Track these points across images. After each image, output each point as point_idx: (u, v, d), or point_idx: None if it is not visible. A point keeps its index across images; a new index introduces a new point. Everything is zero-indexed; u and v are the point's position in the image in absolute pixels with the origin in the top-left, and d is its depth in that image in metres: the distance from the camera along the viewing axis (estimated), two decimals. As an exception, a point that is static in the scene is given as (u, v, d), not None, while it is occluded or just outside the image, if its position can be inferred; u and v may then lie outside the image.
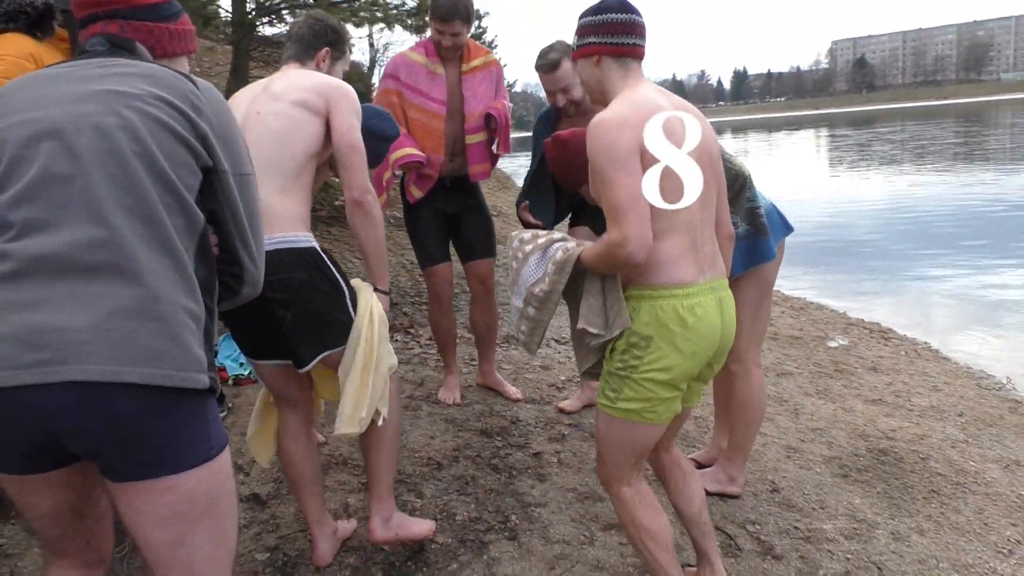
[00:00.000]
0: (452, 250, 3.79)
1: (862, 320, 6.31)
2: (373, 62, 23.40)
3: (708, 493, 2.82)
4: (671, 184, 1.93)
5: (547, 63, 3.24)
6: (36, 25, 2.22)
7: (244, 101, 2.28)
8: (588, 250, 2.04)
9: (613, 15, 2.03)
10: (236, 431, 3.16)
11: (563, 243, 2.16)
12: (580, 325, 2.03)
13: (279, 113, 2.17)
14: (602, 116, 1.94)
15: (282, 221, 2.12)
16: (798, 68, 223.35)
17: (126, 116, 1.32)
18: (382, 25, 6.51)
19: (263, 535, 2.60)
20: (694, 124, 2.01)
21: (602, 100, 2.09)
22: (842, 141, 38.07)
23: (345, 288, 2.20)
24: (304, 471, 2.39)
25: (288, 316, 2.11)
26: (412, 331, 4.93)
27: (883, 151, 28.54)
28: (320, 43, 2.44)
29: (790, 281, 7.93)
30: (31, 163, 1.26)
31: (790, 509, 3.02)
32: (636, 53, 2.06)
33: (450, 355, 3.86)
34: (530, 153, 3.51)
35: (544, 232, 2.25)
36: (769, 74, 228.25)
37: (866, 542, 2.83)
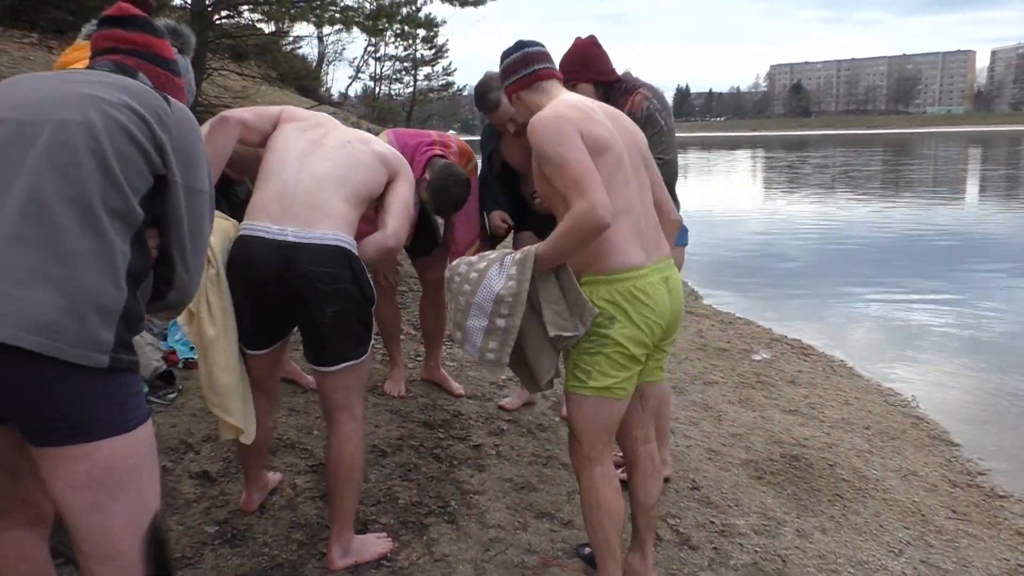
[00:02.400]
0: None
1: (785, 336, 6.68)
2: (321, 57, 23.28)
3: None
4: (604, 170, 2.14)
5: (488, 104, 3.42)
6: None
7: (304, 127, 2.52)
8: (545, 242, 2.19)
9: (509, 59, 2.39)
10: (186, 412, 3.24)
11: (512, 253, 2.32)
12: (553, 333, 2.18)
13: (366, 152, 2.47)
14: (541, 113, 2.21)
15: (345, 224, 2.33)
16: (738, 89, 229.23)
17: (89, 116, 1.45)
18: (340, 26, 6.61)
19: (212, 510, 2.71)
20: (616, 123, 2.28)
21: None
22: (777, 163, 39.39)
23: (375, 298, 2.46)
24: (260, 446, 2.58)
25: (329, 311, 2.28)
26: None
27: (815, 176, 29.69)
28: None
29: (721, 296, 8.31)
30: None
31: (708, 505, 3.27)
32: (543, 75, 2.36)
33: (396, 348, 4.00)
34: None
35: (488, 252, 2.40)
36: (710, 93, 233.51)
37: (774, 537, 3.09)
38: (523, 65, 2.36)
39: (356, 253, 2.35)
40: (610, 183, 2.13)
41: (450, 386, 4.04)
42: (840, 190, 22.91)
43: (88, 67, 1.66)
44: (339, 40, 21.26)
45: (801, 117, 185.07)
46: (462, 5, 7.44)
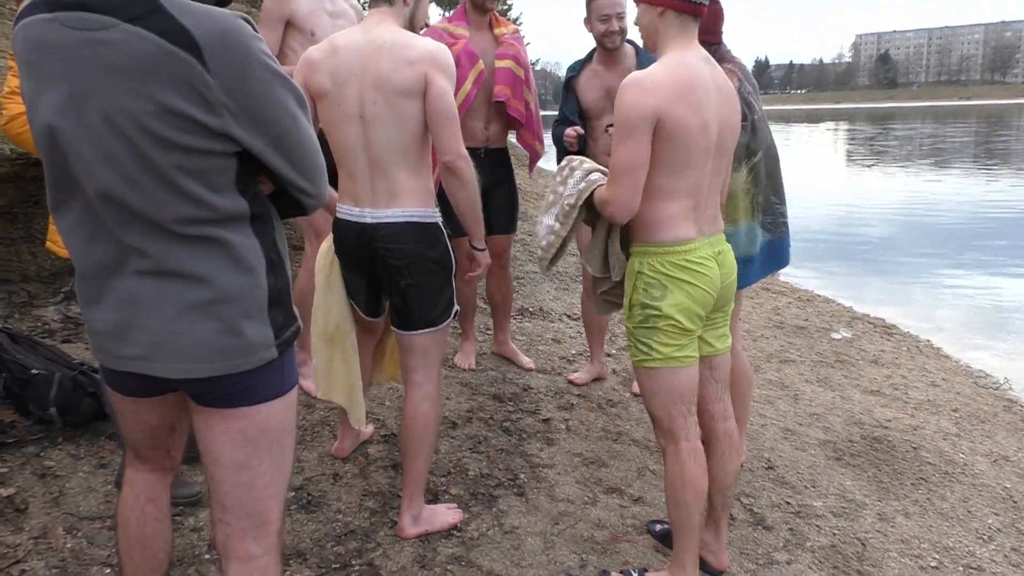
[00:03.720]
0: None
1: (867, 315, 6.43)
2: None
3: None
4: (681, 152, 2.09)
5: None
6: None
7: (353, 62, 2.32)
8: (600, 189, 2.25)
9: None
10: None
11: (599, 174, 2.36)
12: (583, 260, 2.41)
13: (390, 106, 2.29)
14: (636, 76, 2.09)
15: (412, 196, 2.37)
16: (820, 60, 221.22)
17: (151, 158, 1.31)
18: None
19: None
20: (719, 101, 2.15)
21: (653, 48, 2.22)
22: (861, 136, 37.89)
23: (454, 265, 2.49)
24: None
25: (402, 284, 2.40)
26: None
27: (900, 148, 28.43)
28: None
29: (799, 272, 8.05)
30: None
31: (783, 486, 3.18)
32: (698, 11, 2.15)
33: (468, 322, 4.02)
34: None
35: (590, 161, 2.45)
36: (791, 65, 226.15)
37: (853, 520, 2.99)
38: None
39: (429, 222, 2.40)
40: (683, 166, 2.11)
41: (520, 360, 4.04)
42: (926, 163, 21.88)
43: None
44: None
45: (888, 89, 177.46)
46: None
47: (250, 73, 1.33)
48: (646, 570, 2.44)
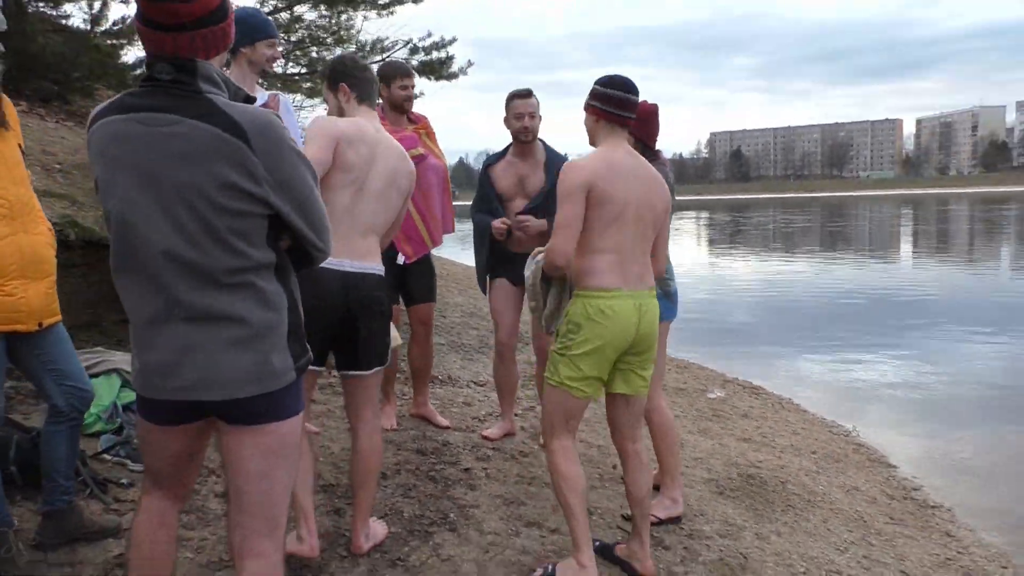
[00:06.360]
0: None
1: (737, 378, 7.19)
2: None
3: (660, 520, 3.40)
4: (605, 216, 2.68)
5: (524, 92, 4.07)
6: None
7: (371, 145, 2.79)
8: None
9: (619, 93, 2.78)
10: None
11: (542, 254, 2.92)
12: (539, 317, 2.99)
13: (394, 189, 2.84)
14: (572, 161, 2.76)
15: (377, 255, 2.81)
16: (681, 155, 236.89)
17: (210, 221, 1.68)
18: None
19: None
20: (638, 184, 2.75)
21: (593, 143, 2.86)
22: (722, 226, 40.86)
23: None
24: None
25: (370, 328, 2.78)
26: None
27: (759, 236, 30.96)
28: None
29: (676, 346, 8.79)
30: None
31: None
32: (624, 123, 2.83)
33: (389, 387, 4.36)
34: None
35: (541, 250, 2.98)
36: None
37: (736, 539, 3.49)
38: (622, 107, 2.78)
39: (384, 276, 2.88)
40: (607, 227, 2.68)
41: (437, 419, 4.40)
42: (779, 248, 24.01)
43: (144, 82, 1.75)
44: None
45: (742, 182, 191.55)
46: (438, 79, 8.04)
47: (282, 154, 1.74)
48: (556, 564, 2.85)
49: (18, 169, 2.46)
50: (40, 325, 2.48)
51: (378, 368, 2.87)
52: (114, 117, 1.70)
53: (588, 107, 2.87)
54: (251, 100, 1.85)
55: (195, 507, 3.04)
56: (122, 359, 3.77)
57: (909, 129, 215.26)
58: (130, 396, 3.63)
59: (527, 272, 2.98)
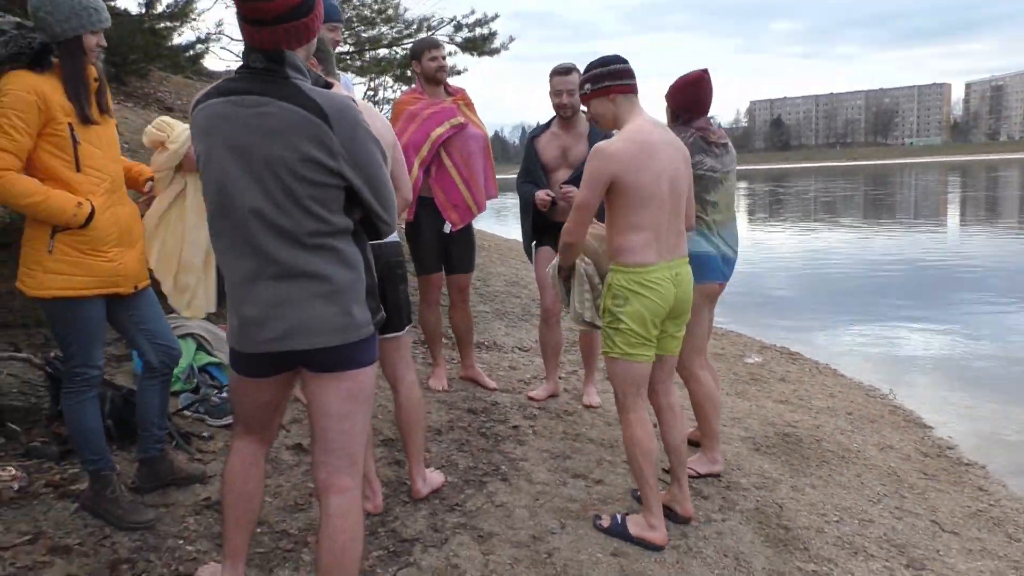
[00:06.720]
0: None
1: (774, 345, 7.31)
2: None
3: (699, 475, 3.62)
4: (637, 198, 2.81)
5: (563, 68, 4.21)
6: (36, 61, 2.57)
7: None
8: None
9: (620, 65, 2.94)
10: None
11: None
12: (572, 317, 3.21)
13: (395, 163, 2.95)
14: (601, 146, 2.83)
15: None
16: (719, 125, 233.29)
17: (294, 189, 1.92)
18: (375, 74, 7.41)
19: (311, 471, 3.28)
20: (668, 155, 2.89)
21: (612, 126, 2.98)
22: (761, 196, 40.41)
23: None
24: None
25: (397, 290, 2.99)
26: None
27: (799, 206, 30.62)
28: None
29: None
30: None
31: (715, 468, 3.85)
32: (634, 89, 2.96)
33: (437, 350, 4.61)
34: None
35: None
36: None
37: (771, 491, 3.68)
38: (628, 75, 2.92)
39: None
40: (644, 205, 2.82)
41: (485, 381, 4.64)
42: (821, 220, 23.78)
43: (240, 69, 1.98)
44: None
45: (782, 151, 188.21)
46: (480, 55, 8.23)
47: (356, 134, 1.96)
48: (627, 515, 3.06)
49: (115, 149, 2.73)
50: (135, 288, 2.76)
51: (409, 327, 3.09)
52: (214, 100, 1.95)
53: (598, 91, 2.92)
54: (329, 86, 2.07)
55: (270, 458, 3.32)
56: (197, 325, 4.07)
57: (958, 94, 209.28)
58: (204, 359, 3.93)
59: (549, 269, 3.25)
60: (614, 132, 2.99)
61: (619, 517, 3.05)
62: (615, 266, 2.93)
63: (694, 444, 3.83)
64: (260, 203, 1.93)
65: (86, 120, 2.60)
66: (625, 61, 2.96)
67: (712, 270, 3.65)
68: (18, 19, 2.56)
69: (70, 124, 2.55)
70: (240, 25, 1.93)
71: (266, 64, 1.93)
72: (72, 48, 2.57)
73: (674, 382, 3.23)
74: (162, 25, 8.13)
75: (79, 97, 2.58)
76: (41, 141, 2.51)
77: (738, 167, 4.04)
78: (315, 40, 2.04)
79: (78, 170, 2.57)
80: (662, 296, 2.88)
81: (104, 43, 2.66)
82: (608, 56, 2.98)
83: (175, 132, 2.99)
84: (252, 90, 1.92)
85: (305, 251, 1.96)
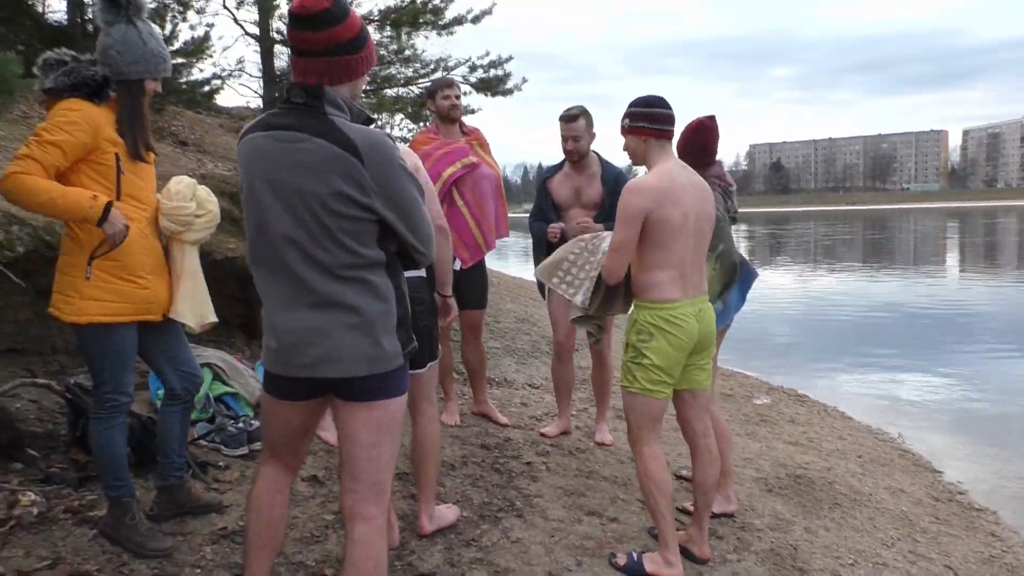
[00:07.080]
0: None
1: (782, 386, 7.32)
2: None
3: (713, 515, 3.54)
4: (665, 233, 2.86)
5: (568, 115, 4.28)
6: (95, 93, 2.66)
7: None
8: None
9: (661, 110, 2.98)
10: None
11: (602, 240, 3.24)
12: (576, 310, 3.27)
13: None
14: (634, 183, 2.91)
15: None
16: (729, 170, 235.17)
17: (325, 223, 1.96)
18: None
19: (327, 503, 3.29)
20: (694, 196, 2.94)
21: (640, 162, 3.04)
22: (762, 239, 40.63)
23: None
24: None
25: (418, 327, 2.90)
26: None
27: (800, 249, 30.78)
28: None
29: (720, 354, 8.91)
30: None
31: (729, 508, 3.84)
32: (669, 136, 3.02)
33: (449, 386, 4.62)
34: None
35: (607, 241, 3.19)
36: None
37: (785, 532, 3.67)
38: (667, 122, 2.97)
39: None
40: (671, 242, 2.87)
41: (497, 417, 4.65)
42: (822, 263, 23.89)
43: (283, 103, 2.05)
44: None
45: (781, 194, 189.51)
46: (494, 95, 8.39)
47: (389, 169, 2.01)
48: (643, 552, 3.05)
49: (153, 183, 2.82)
50: (164, 316, 2.80)
51: (431, 363, 3.08)
52: (257, 134, 2.01)
53: (634, 129, 2.99)
54: (370, 121, 2.12)
55: (285, 489, 3.32)
56: (214, 354, 4.09)
57: (955, 140, 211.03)
58: (220, 388, 3.94)
59: (595, 256, 3.18)
60: (625, 168, 3.11)
61: (635, 555, 3.04)
62: (640, 302, 2.98)
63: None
64: (296, 234, 1.98)
65: (136, 156, 2.68)
66: (668, 107, 2.99)
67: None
68: (73, 52, 2.65)
69: (116, 155, 2.62)
70: (290, 57, 2.01)
71: (306, 99, 2.00)
72: (133, 89, 2.68)
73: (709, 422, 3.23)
74: (179, 60, 8.27)
75: (134, 134, 2.67)
76: (83, 166, 2.58)
77: (740, 209, 4.10)
78: (361, 82, 2.11)
79: (118, 198, 2.63)
80: (687, 332, 2.91)
81: (160, 90, 2.77)
82: (653, 97, 3.01)
83: (196, 200, 2.94)
84: (291, 125, 1.98)
85: (338, 282, 2.00)
